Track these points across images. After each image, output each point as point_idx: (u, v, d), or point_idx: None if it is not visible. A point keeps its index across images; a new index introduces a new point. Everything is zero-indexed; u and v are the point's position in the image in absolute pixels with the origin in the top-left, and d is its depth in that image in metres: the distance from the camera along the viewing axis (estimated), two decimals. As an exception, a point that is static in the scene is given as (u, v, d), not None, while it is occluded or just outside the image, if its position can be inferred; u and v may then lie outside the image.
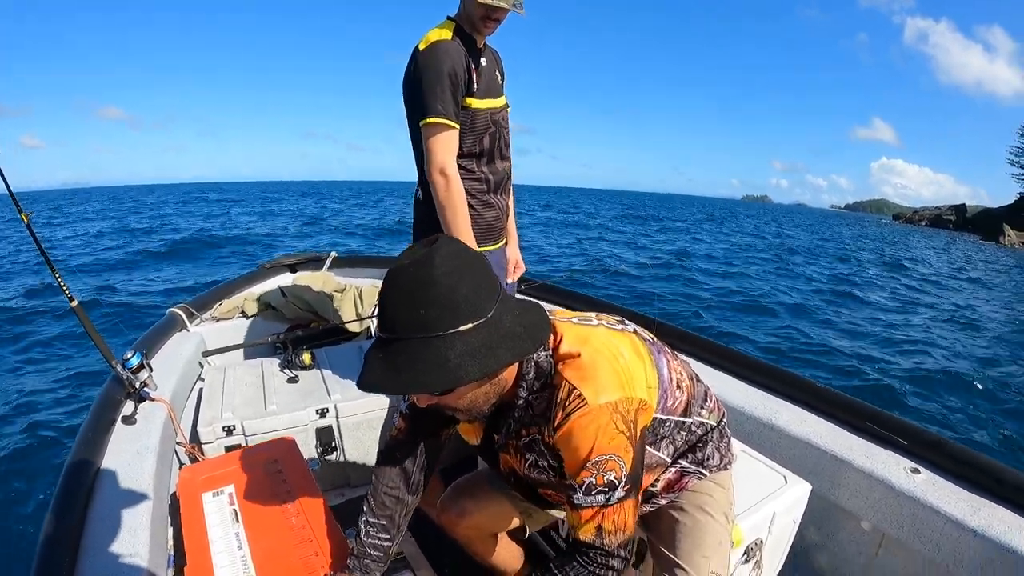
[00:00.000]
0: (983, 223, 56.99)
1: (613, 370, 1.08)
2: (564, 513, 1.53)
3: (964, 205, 71.27)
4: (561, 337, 1.14)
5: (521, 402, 1.14)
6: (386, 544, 1.39)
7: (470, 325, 0.96)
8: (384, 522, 1.39)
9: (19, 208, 1.97)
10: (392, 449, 1.42)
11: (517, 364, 1.12)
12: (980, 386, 7.07)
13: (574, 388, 1.05)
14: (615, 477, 1.07)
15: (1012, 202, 57.40)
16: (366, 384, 0.98)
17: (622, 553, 1.14)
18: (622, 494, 1.09)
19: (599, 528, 1.11)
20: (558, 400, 1.07)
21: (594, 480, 1.07)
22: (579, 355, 1.09)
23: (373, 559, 1.37)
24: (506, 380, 1.12)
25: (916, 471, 1.75)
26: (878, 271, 19.12)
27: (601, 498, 1.09)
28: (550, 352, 1.13)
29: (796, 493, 1.71)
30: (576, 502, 1.10)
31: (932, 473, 1.75)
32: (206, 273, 11.53)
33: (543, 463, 1.19)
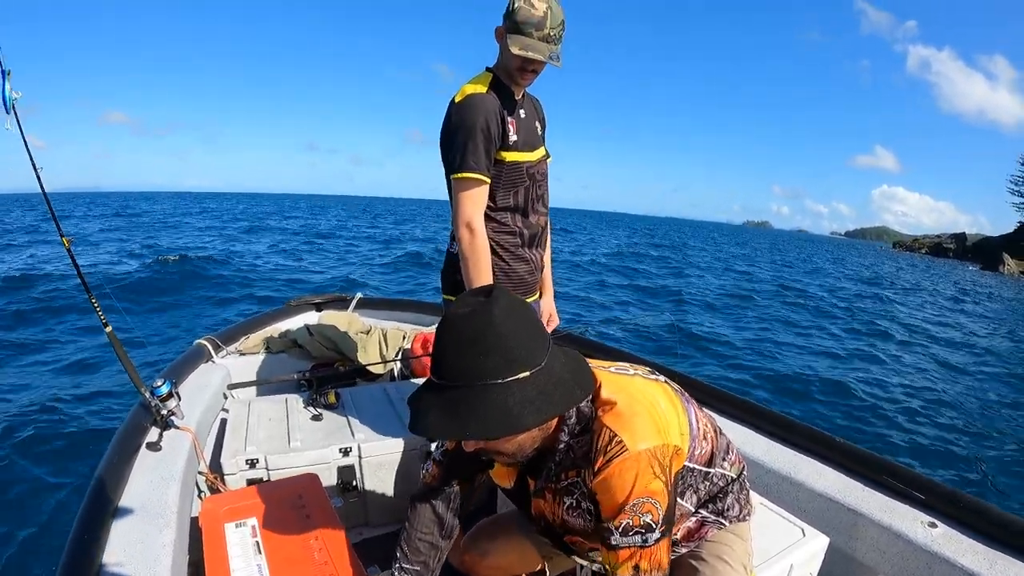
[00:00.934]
0: (983, 252, 56.85)
1: (651, 417, 1.12)
2: (586, 562, 1.53)
3: (964, 234, 71.34)
4: (600, 385, 1.17)
5: (562, 446, 1.17)
6: None
7: (527, 373, 1.00)
8: (418, 568, 1.40)
9: (61, 232, 2.02)
10: (426, 495, 1.43)
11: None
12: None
13: (615, 435, 1.08)
14: (652, 520, 1.10)
15: (1012, 231, 57.25)
16: (423, 430, 1.01)
17: None
18: (658, 535, 1.12)
19: (636, 568, 1.14)
20: (599, 446, 1.10)
21: (631, 522, 1.10)
22: (617, 403, 1.13)
23: None
24: (551, 426, 1.15)
25: (933, 525, 1.75)
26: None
27: (638, 539, 1.12)
28: (591, 399, 1.15)
29: (814, 546, 1.70)
30: (613, 543, 1.13)
31: (949, 527, 1.74)
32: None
33: (583, 505, 1.21)
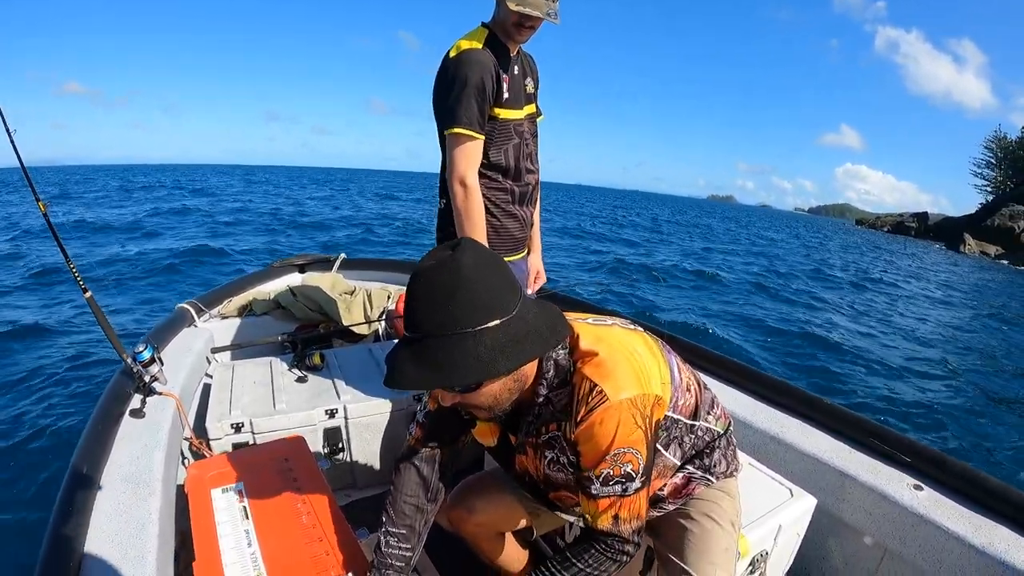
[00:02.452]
0: (944, 231, 57.53)
1: (630, 367, 1.13)
2: (572, 517, 1.54)
3: (926, 213, 71.71)
4: (578, 336, 1.18)
5: (541, 399, 1.19)
6: (407, 554, 1.39)
7: (497, 321, 1.00)
8: (404, 531, 1.40)
9: (36, 196, 1.97)
10: (410, 457, 1.43)
11: (537, 363, 1.16)
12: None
13: (595, 385, 1.09)
14: (632, 469, 1.13)
15: (974, 212, 57.69)
16: (397, 381, 1.00)
17: (636, 539, 1.21)
18: (638, 484, 1.16)
19: (616, 517, 1.17)
20: (580, 396, 1.11)
21: (611, 471, 1.13)
22: (597, 353, 1.13)
23: (395, 569, 1.37)
24: (527, 377, 1.16)
25: (919, 488, 1.77)
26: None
27: (618, 488, 1.15)
28: (568, 350, 1.17)
29: (801, 507, 1.72)
30: (594, 492, 1.16)
31: (934, 491, 1.77)
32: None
33: (563, 459, 1.23)
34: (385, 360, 1.07)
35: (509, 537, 1.74)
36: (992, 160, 65.46)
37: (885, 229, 75.55)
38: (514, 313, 1.02)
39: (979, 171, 66.36)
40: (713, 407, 1.42)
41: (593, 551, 1.21)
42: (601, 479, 1.14)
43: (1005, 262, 39.59)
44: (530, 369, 1.16)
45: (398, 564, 1.37)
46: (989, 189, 64.81)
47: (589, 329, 1.20)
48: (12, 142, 1.92)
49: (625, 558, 1.22)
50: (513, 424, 1.31)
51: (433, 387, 1.08)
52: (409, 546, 1.39)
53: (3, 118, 1.85)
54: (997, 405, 7.05)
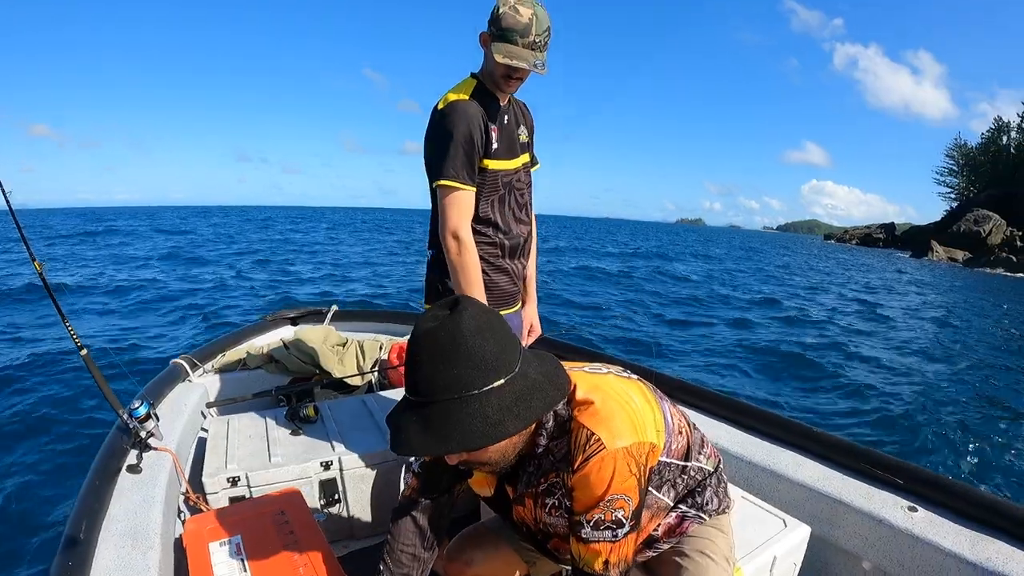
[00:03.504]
0: (912, 240, 58.64)
1: (626, 415, 1.14)
2: (569, 567, 1.55)
3: (893, 224, 73.45)
4: (575, 385, 1.19)
5: (541, 450, 1.20)
6: None
7: (502, 381, 1.01)
8: None
9: (32, 257, 2.02)
10: (406, 507, 1.45)
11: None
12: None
13: (592, 433, 1.10)
14: (623, 515, 1.14)
15: (939, 219, 58.96)
16: (405, 448, 1.01)
17: None
18: (628, 529, 1.16)
19: (606, 562, 1.18)
20: (578, 444, 1.12)
21: (603, 516, 1.14)
22: (593, 402, 1.15)
23: None
24: (529, 431, 1.18)
25: (914, 509, 1.79)
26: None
27: (608, 534, 1.15)
28: (567, 400, 1.17)
29: (796, 536, 1.74)
30: (584, 536, 1.17)
31: (929, 511, 1.78)
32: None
33: (565, 504, 1.23)
34: (387, 422, 1.09)
35: None
36: (954, 168, 67.79)
37: (853, 242, 76.92)
38: (516, 371, 1.04)
39: (942, 179, 68.72)
40: (703, 446, 1.44)
41: None
42: (592, 524, 1.15)
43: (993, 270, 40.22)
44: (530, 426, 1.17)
45: None
46: (953, 196, 66.95)
47: (585, 377, 1.23)
48: (8, 204, 1.97)
49: None
50: (511, 477, 1.32)
51: (443, 453, 1.07)
52: None
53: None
54: (986, 413, 7.08)
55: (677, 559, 1.43)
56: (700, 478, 1.42)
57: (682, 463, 1.36)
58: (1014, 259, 40.06)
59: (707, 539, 1.44)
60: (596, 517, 1.14)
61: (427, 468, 1.43)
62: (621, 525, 1.15)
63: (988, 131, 64.28)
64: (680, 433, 1.34)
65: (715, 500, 1.46)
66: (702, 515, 1.44)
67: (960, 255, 46.70)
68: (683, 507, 1.42)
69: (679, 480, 1.37)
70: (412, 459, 1.47)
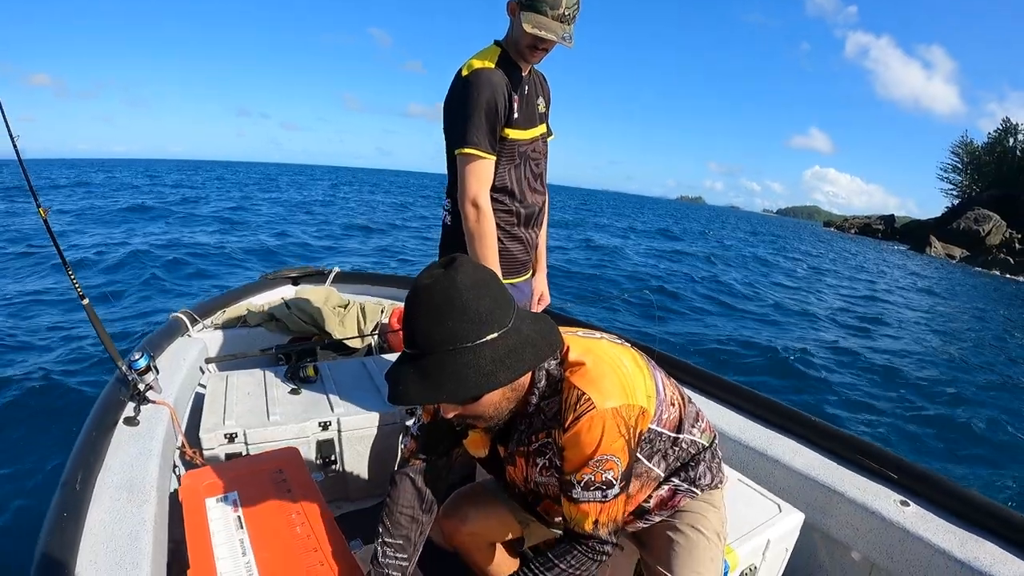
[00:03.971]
0: (910, 234, 58.75)
1: (617, 377, 1.18)
2: (559, 530, 1.56)
3: (893, 216, 73.21)
4: (568, 348, 1.22)
5: (532, 409, 1.23)
6: (404, 564, 1.42)
7: (496, 334, 1.05)
8: (401, 542, 1.43)
9: (38, 202, 1.98)
10: (406, 470, 1.46)
11: (531, 373, 1.20)
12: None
13: (583, 393, 1.14)
14: (612, 476, 1.18)
15: (940, 215, 58.94)
16: (402, 398, 1.04)
17: (613, 539, 1.26)
18: (617, 490, 1.20)
19: (596, 522, 1.22)
20: (568, 403, 1.15)
21: (593, 477, 1.18)
22: (584, 363, 1.18)
23: None
24: (523, 386, 1.21)
25: (906, 504, 1.80)
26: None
27: (599, 494, 1.19)
28: (559, 361, 1.21)
29: (790, 522, 1.75)
30: (575, 496, 1.20)
31: (920, 506, 1.79)
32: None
33: (556, 463, 1.27)
34: (385, 377, 1.11)
35: (500, 548, 1.75)
36: (959, 165, 67.22)
37: (852, 231, 77.06)
38: (510, 326, 1.07)
39: (946, 175, 68.27)
40: (698, 420, 1.46)
41: (575, 552, 1.25)
42: (583, 484, 1.18)
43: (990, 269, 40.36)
44: (526, 379, 1.20)
45: (395, 574, 1.40)
46: (955, 193, 66.39)
47: (579, 341, 1.25)
48: (15, 148, 1.94)
49: (604, 557, 1.26)
50: (504, 435, 1.35)
51: (438, 402, 1.10)
52: (405, 556, 1.42)
53: (7, 124, 1.87)
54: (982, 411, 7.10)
55: (669, 533, 1.45)
56: (693, 452, 1.44)
57: (673, 434, 1.37)
58: (1011, 260, 40.11)
59: (699, 514, 1.46)
60: (586, 478, 1.17)
61: (426, 430, 1.45)
62: (611, 486, 1.18)
63: (995, 131, 63.83)
64: (672, 404, 1.37)
65: (708, 475, 1.47)
66: (695, 489, 1.46)
67: (958, 252, 46.77)
68: (675, 480, 1.44)
69: (670, 451, 1.39)
70: (411, 422, 1.48)
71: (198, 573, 1.38)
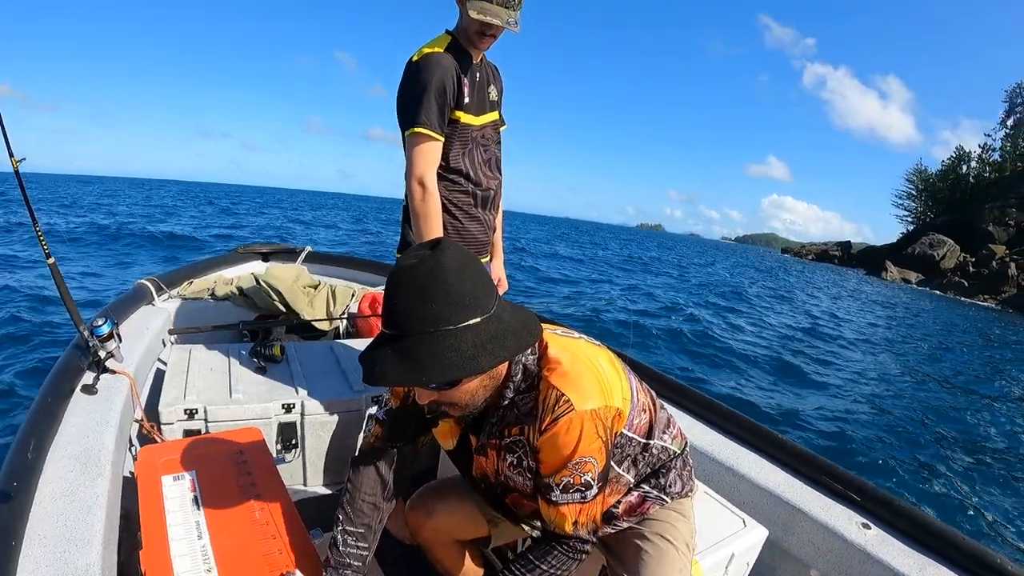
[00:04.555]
0: (867, 259, 60.09)
1: (595, 378, 1.17)
2: (527, 526, 1.58)
3: (849, 242, 74.78)
4: (546, 345, 1.21)
5: (506, 402, 1.21)
6: (364, 553, 1.39)
7: (478, 319, 1.03)
8: (362, 530, 1.39)
9: (11, 152, 1.90)
10: (369, 456, 1.43)
11: (507, 365, 1.19)
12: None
13: (563, 394, 1.12)
14: (591, 477, 1.18)
15: (895, 241, 60.53)
16: (379, 378, 1.02)
17: (592, 538, 1.27)
18: (595, 491, 1.20)
19: (575, 523, 1.22)
20: (547, 404, 1.14)
21: (572, 479, 1.17)
22: (563, 363, 1.17)
23: (353, 569, 1.37)
24: (500, 376, 1.19)
25: (867, 526, 1.81)
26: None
27: (578, 496, 1.20)
28: (537, 356, 1.20)
29: (753, 537, 1.76)
30: (554, 499, 1.20)
31: (881, 530, 1.80)
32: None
33: (525, 463, 1.25)
34: (360, 359, 1.08)
35: (464, 548, 1.73)
36: (913, 192, 68.96)
37: (810, 257, 78.60)
38: (492, 312, 1.05)
39: (901, 202, 70.07)
40: (669, 427, 1.45)
41: (555, 552, 1.25)
42: (561, 487, 1.18)
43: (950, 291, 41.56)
44: (502, 369, 1.18)
45: (355, 564, 1.37)
46: (910, 219, 68.08)
47: (557, 339, 1.24)
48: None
49: (584, 556, 1.28)
50: (476, 426, 1.33)
51: (416, 384, 1.07)
52: (366, 544, 1.39)
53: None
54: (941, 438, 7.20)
55: (637, 541, 1.44)
56: (664, 458, 1.44)
57: (644, 440, 1.37)
58: (966, 283, 41.18)
59: (668, 523, 1.45)
60: (565, 480, 1.17)
61: (393, 416, 1.42)
62: (589, 487, 1.19)
63: (949, 159, 65.40)
64: (644, 410, 1.36)
65: (678, 483, 1.47)
66: (664, 497, 1.45)
67: (913, 276, 47.93)
68: (645, 487, 1.44)
69: (640, 457, 1.39)
70: (373, 409, 1.45)
71: (150, 554, 1.33)
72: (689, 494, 1.52)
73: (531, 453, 1.22)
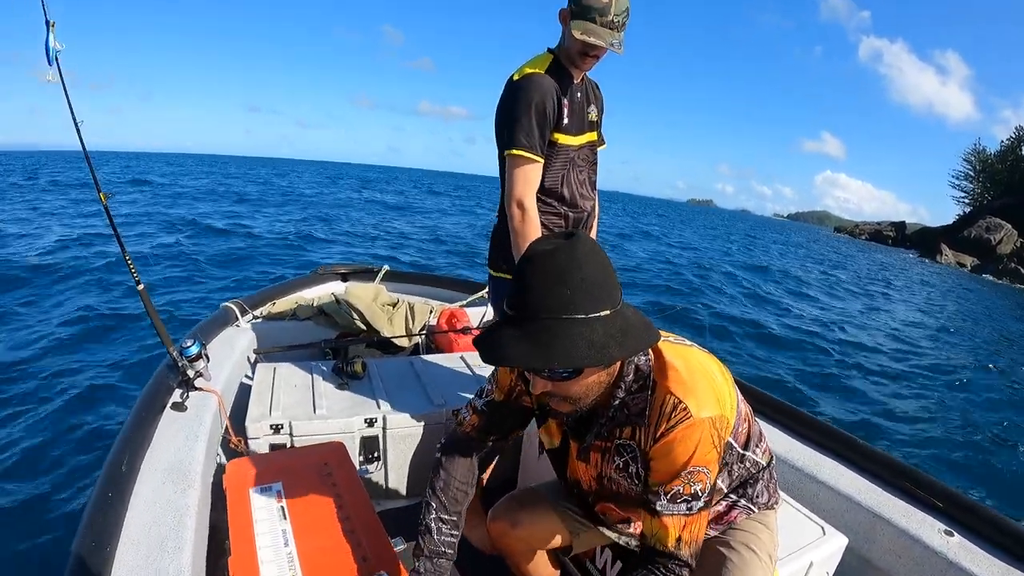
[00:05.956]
0: (921, 240, 57.69)
1: (710, 387, 1.14)
2: (614, 534, 1.54)
3: (904, 222, 72.05)
4: (660, 348, 1.19)
5: (617, 402, 1.19)
6: (455, 541, 1.40)
7: (608, 311, 1.02)
8: (455, 518, 1.40)
9: (99, 188, 2.01)
10: (463, 444, 1.44)
11: (619, 364, 1.16)
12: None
13: (680, 401, 1.10)
14: (700, 488, 1.14)
15: (951, 223, 57.71)
16: (504, 358, 1.02)
17: (693, 563, 1.19)
18: (702, 504, 1.15)
19: (679, 539, 1.16)
20: (662, 411, 1.12)
21: (682, 489, 1.13)
22: (679, 369, 1.14)
23: (447, 557, 1.38)
24: (613, 374, 1.16)
25: (950, 533, 1.74)
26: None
27: (684, 507, 1.15)
28: (649, 357, 1.17)
29: (833, 545, 1.70)
30: (658, 509, 1.15)
31: (965, 537, 1.73)
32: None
33: (633, 468, 1.23)
34: (477, 340, 1.08)
35: (545, 558, 1.71)
36: (971, 173, 65.52)
37: (863, 237, 76.03)
38: (619, 307, 1.04)
39: (958, 183, 66.57)
40: (761, 440, 1.42)
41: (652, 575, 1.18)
42: (670, 496, 1.14)
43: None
44: (616, 368, 1.16)
45: (449, 552, 1.38)
46: (967, 201, 64.76)
47: (671, 346, 1.22)
48: (79, 133, 1.96)
49: None
50: (577, 429, 1.31)
51: (542, 367, 1.04)
52: (458, 533, 1.40)
53: (71, 110, 1.90)
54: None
55: (722, 549, 1.41)
56: (754, 470, 1.41)
57: (741, 450, 1.34)
58: (1022, 270, 39.09)
59: (753, 533, 1.42)
60: (675, 489, 1.13)
61: (493, 408, 1.42)
62: (697, 498, 1.14)
63: (1008, 139, 61.72)
64: (745, 420, 1.33)
65: (765, 494, 1.44)
66: (751, 507, 1.43)
67: (968, 260, 45.76)
68: (734, 496, 1.41)
69: (735, 467, 1.36)
70: (478, 398, 1.44)
71: (239, 560, 1.36)
72: (774, 506, 1.48)
73: (641, 458, 1.20)
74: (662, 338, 1.20)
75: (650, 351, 1.18)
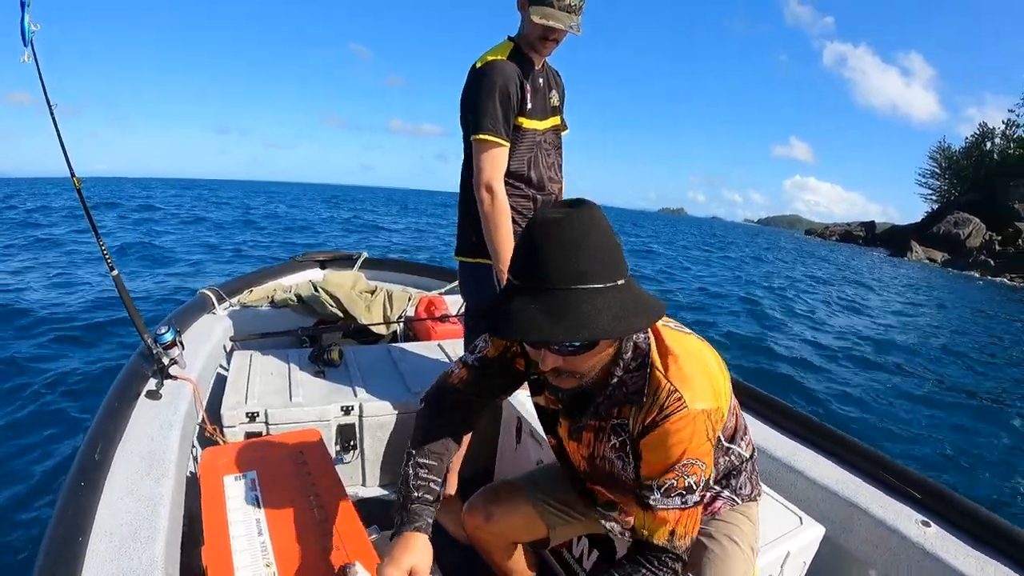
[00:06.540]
0: (891, 239, 58.74)
1: (707, 378, 1.11)
2: (608, 522, 1.54)
3: (874, 222, 73.32)
4: (659, 331, 1.15)
5: (615, 380, 1.15)
6: (436, 488, 1.27)
7: (622, 281, 0.98)
8: (434, 463, 1.28)
9: (72, 172, 1.98)
10: (451, 394, 1.38)
11: (617, 342, 1.12)
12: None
13: (675, 390, 1.06)
14: (695, 482, 1.10)
15: (920, 220, 59.12)
16: (521, 331, 0.96)
17: (686, 557, 1.17)
18: (696, 498, 1.12)
19: (672, 532, 1.13)
20: (656, 398, 1.08)
21: (675, 482, 1.10)
22: (677, 355, 1.11)
23: (423, 502, 1.24)
24: (612, 351, 1.13)
25: (927, 524, 1.75)
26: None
27: (678, 501, 1.11)
28: (648, 336, 1.14)
29: (810, 535, 1.72)
30: (652, 503, 1.12)
31: (941, 527, 1.74)
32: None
33: (628, 447, 1.20)
34: (485, 312, 1.04)
35: (522, 551, 1.71)
36: (937, 170, 67.25)
37: (834, 238, 77.30)
38: (629, 277, 1.01)
39: (925, 181, 68.43)
40: (745, 433, 1.41)
41: (644, 571, 1.15)
42: (663, 489, 1.10)
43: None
44: (617, 344, 1.12)
45: (427, 496, 1.25)
46: (935, 198, 66.47)
47: (670, 330, 1.18)
48: (52, 116, 1.93)
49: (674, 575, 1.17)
50: (571, 408, 1.28)
51: (572, 340, 0.99)
52: (438, 479, 1.27)
53: (44, 90, 1.87)
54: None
55: (704, 540, 1.40)
56: (738, 462, 1.41)
57: (727, 443, 1.34)
58: (992, 262, 39.70)
59: (735, 525, 1.42)
60: (668, 483, 1.10)
61: (485, 365, 1.35)
62: (691, 491, 1.11)
63: (972, 136, 63.69)
64: (733, 413, 1.31)
65: (748, 485, 1.44)
66: (735, 498, 1.42)
67: (939, 256, 46.53)
68: (717, 487, 1.40)
69: (721, 460, 1.35)
70: (470, 354, 1.38)
71: (212, 549, 1.36)
72: (756, 498, 1.48)
73: (631, 446, 1.17)
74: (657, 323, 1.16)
75: (649, 331, 1.14)
